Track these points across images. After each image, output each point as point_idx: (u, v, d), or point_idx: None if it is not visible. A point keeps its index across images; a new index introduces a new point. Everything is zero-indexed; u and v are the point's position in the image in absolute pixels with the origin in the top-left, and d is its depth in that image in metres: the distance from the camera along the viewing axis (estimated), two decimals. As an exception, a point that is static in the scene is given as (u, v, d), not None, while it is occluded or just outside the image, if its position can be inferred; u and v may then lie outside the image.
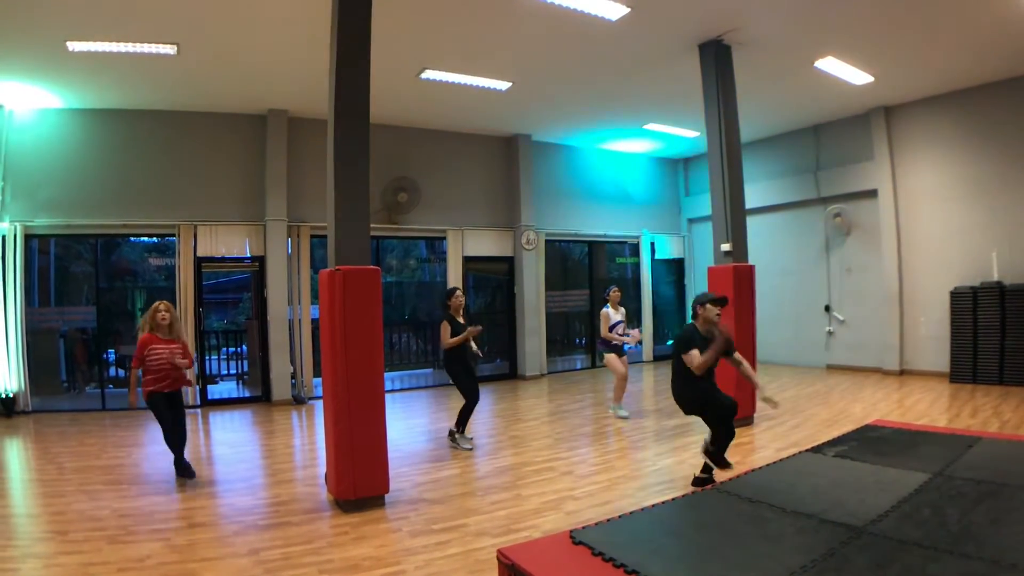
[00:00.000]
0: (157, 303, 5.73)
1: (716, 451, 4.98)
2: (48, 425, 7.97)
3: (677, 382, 5.06)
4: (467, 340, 6.62)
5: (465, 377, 6.68)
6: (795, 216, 12.19)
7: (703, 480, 5.06)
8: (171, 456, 5.74)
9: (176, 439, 5.61)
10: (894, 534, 2.90)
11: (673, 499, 3.88)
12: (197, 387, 9.35)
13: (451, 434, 6.83)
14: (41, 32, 6.57)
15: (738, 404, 5.06)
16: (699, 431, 6.93)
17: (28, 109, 8.78)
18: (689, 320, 5.31)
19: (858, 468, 4.03)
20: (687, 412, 5.13)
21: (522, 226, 11.81)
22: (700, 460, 5.52)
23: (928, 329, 10.10)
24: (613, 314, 7.96)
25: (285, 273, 9.78)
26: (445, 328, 6.61)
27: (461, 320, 6.78)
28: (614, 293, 8.08)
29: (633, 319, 13.77)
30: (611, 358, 7.90)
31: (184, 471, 5.57)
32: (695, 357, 4.79)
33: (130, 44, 6.98)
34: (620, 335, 7.87)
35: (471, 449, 6.61)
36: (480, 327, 6.75)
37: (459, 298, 6.82)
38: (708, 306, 4.98)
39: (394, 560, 3.91)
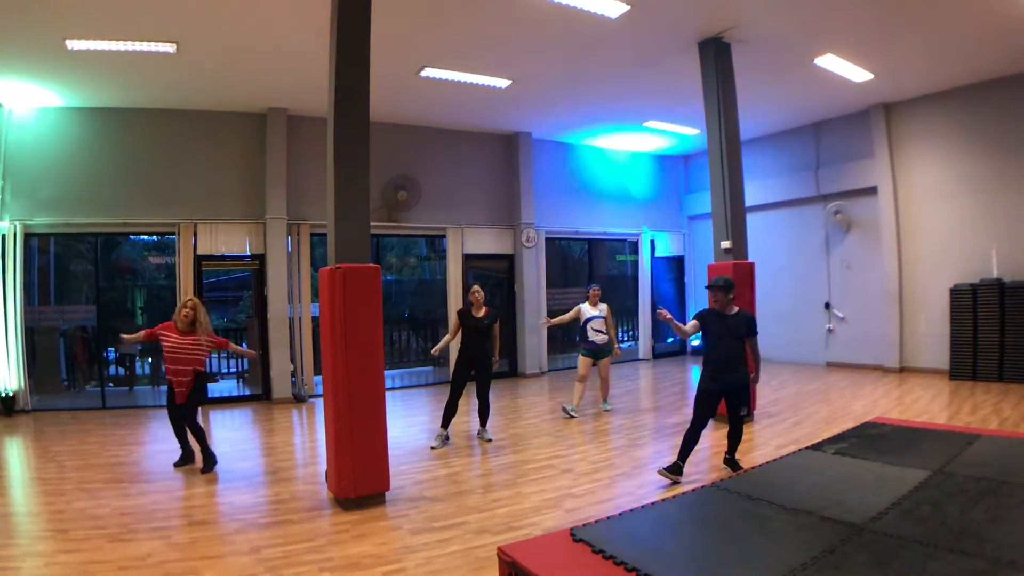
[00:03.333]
0: (186, 299, 6.02)
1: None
2: (48, 423, 7.98)
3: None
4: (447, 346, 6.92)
5: (458, 376, 6.82)
6: (795, 213, 12.18)
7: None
8: (174, 456, 6.01)
9: (180, 433, 5.98)
10: (894, 531, 2.90)
11: (673, 497, 3.89)
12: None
13: (479, 435, 7.04)
14: (40, 31, 6.56)
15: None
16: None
17: (27, 108, 8.77)
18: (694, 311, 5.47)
19: (858, 465, 4.04)
20: None
21: (522, 224, 11.81)
22: (696, 457, 5.54)
23: (928, 326, 10.11)
24: (588, 309, 8.05)
25: (285, 271, 9.78)
26: (452, 318, 6.95)
27: (479, 315, 6.80)
28: (594, 291, 8.15)
29: (634, 317, 13.84)
30: (582, 360, 8.07)
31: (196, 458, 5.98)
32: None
33: (129, 43, 6.97)
34: (595, 331, 7.96)
35: (491, 440, 6.90)
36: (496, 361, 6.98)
37: (474, 294, 6.88)
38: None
39: (395, 558, 3.91)
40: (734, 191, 7.69)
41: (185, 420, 5.88)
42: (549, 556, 2.92)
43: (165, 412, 6.01)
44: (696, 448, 5.27)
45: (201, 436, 5.90)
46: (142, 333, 5.98)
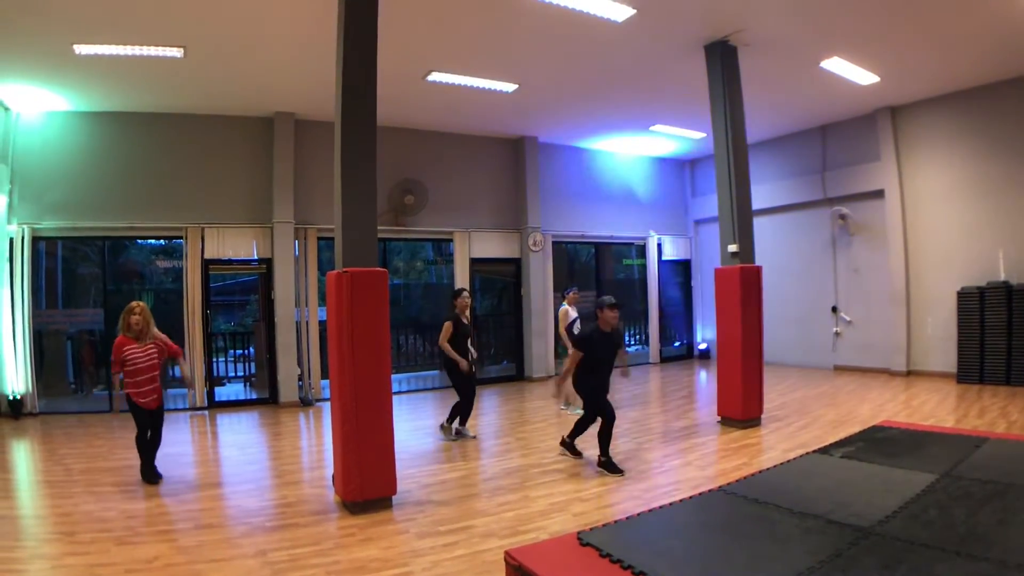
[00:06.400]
0: (131, 304, 5.60)
1: (572, 438, 6.20)
2: (55, 427, 8.01)
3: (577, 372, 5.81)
4: (460, 364, 6.79)
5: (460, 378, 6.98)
6: (802, 217, 12.15)
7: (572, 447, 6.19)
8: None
9: (151, 445, 5.71)
10: (901, 535, 2.90)
11: (680, 500, 3.88)
12: (201, 389, 9.34)
13: (441, 427, 7.25)
14: (48, 35, 6.61)
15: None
16: (703, 433, 6.94)
17: (35, 112, 8.84)
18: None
19: (865, 469, 4.03)
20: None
21: (529, 228, 11.81)
22: (703, 461, 5.52)
23: (935, 329, 10.06)
24: (572, 311, 8.32)
25: (292, 275, 9.82)
26: (447, 328, 6.87)
27: (465, 320, 6.90)
28: (573, 294, 8.49)
29: (640, 319, 13.86)
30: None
31: (151, 477, 5.63)
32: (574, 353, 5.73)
33: (137, 47, 7.02)
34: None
35: (456, 440, 7.08)
36: (470, 368, 6.91)
37: (464, 299, 7.04)
38: (606, 310, 5.67)
39: (401, 561, 3.91)
40: (741, 194, 7.67)
41: (156, 429, 5.68)
42: (556, 560, 2.92)
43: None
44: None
45: (156, 446, 5.74)
46: (116, 380, 5.68)
